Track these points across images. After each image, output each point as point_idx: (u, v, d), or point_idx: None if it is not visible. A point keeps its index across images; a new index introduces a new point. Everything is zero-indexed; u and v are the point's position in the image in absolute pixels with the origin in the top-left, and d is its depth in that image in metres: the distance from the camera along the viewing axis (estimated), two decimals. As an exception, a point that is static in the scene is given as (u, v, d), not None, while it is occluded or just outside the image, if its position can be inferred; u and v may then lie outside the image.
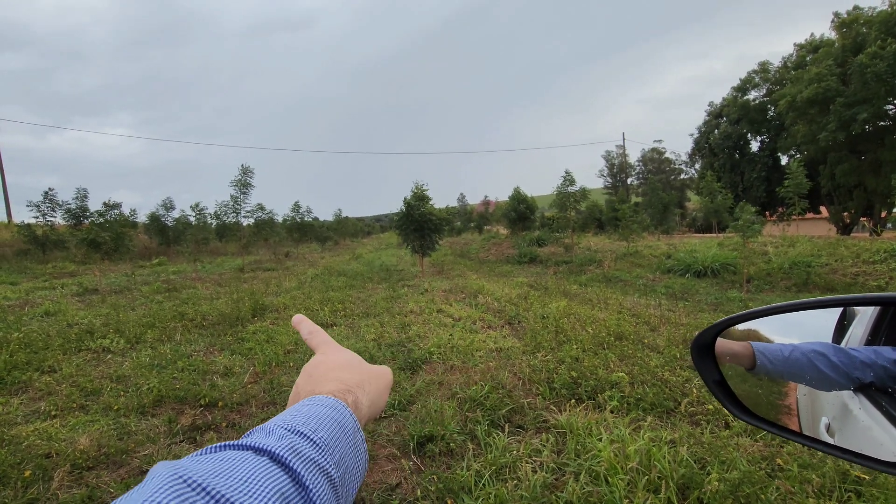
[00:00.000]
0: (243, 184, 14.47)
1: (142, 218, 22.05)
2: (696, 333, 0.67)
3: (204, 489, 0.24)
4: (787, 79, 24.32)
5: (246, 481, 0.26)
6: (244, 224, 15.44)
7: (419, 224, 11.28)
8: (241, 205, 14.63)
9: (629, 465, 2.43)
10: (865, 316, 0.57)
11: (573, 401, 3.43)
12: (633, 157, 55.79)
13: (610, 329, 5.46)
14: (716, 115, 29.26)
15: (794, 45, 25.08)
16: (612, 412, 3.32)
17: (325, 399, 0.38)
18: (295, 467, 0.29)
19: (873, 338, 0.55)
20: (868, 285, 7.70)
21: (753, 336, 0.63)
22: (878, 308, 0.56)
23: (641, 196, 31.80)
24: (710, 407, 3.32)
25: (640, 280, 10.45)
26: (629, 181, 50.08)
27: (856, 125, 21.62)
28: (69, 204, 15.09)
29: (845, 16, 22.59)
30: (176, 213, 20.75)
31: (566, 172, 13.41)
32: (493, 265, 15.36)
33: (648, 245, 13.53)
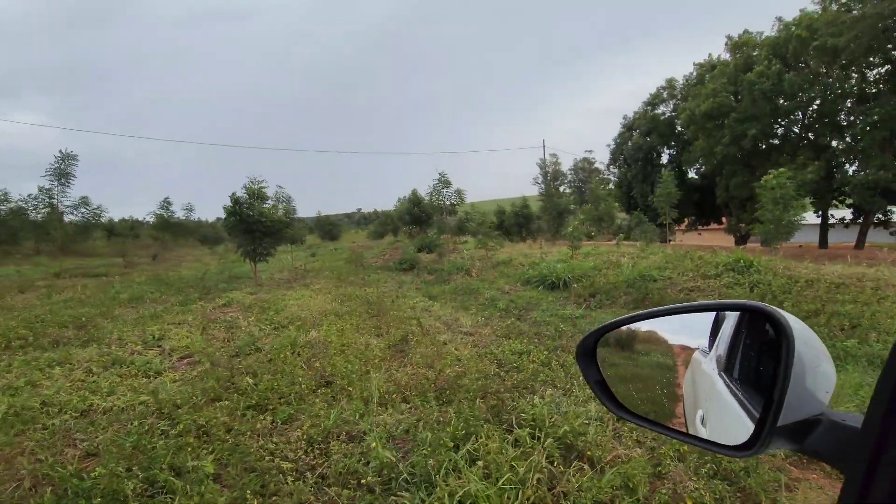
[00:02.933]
0: (61, 173, 11.98)
1: None
2: (582, 337, 0.74)
3: None
4: (689, 94, 25.24)
5: None
6: (65, 220, 12.84)
7: (248, 226, 9.63)
8: (56, 199, 12.12)
9: None
10: (732, 317, 0.62)
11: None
12: (571, 165, 57.20)
13: (333, 366, 4.21)
14: (629, 126, 29.99)
15: (694, 63, 26.17)
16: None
17: None
18: None
19: (736, 335, 0.62)
20: (694, 300, 7.14)
21: (654, 336, 0.69)
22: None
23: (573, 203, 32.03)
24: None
25: (493, 291, 9.49)
26: (562, 189, 51.12)
27: (746, 140, 22.69)
28: None
29: (737, 39, 23.76)
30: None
31: (440, 174, 12.35)
32: (371, 272, 13.99)
33: (524, 253, 12.78)
